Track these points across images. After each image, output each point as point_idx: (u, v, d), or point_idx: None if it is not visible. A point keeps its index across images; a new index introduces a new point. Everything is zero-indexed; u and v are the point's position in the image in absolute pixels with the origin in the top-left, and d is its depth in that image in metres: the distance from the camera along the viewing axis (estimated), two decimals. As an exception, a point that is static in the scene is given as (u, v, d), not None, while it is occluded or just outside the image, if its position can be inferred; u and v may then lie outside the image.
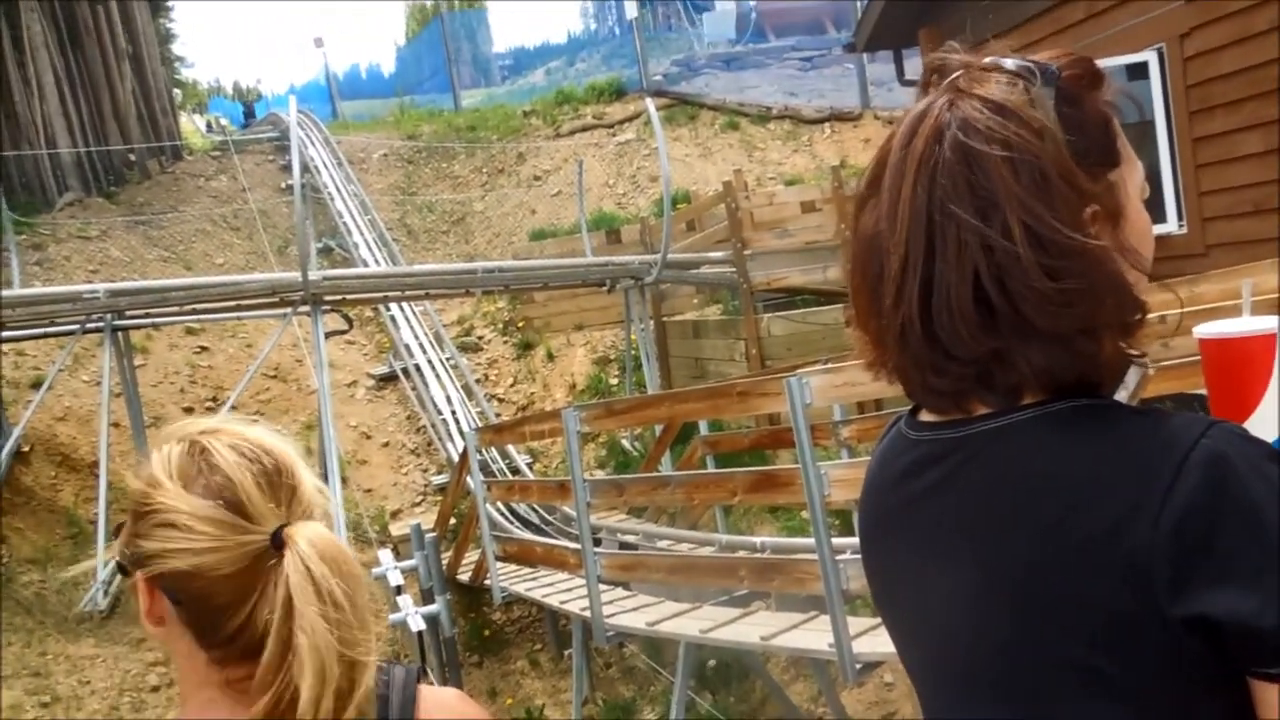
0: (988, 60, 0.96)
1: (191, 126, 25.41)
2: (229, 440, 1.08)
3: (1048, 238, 0.88)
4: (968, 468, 0.96)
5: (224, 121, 27.41)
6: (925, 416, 1.03)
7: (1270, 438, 1.02)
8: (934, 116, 0.94)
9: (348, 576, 1.03)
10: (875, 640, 4.73)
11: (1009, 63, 0.94)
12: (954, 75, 0.96)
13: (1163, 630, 0.84)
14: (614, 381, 13.65)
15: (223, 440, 1.08)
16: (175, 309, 10.55)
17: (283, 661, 0.98)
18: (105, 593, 9.28)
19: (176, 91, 25.36)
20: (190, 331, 13.78)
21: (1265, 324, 1.05)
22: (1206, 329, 1.09)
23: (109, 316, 10.01)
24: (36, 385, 11.16)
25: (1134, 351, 0.96)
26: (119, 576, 1.11)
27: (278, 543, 1.03)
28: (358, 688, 1.01)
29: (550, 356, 14.45)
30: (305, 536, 1.03)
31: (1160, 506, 0.84)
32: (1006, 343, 0.90)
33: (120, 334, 10.37)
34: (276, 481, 1.07)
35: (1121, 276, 0.92)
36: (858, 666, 4.69)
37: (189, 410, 12.63)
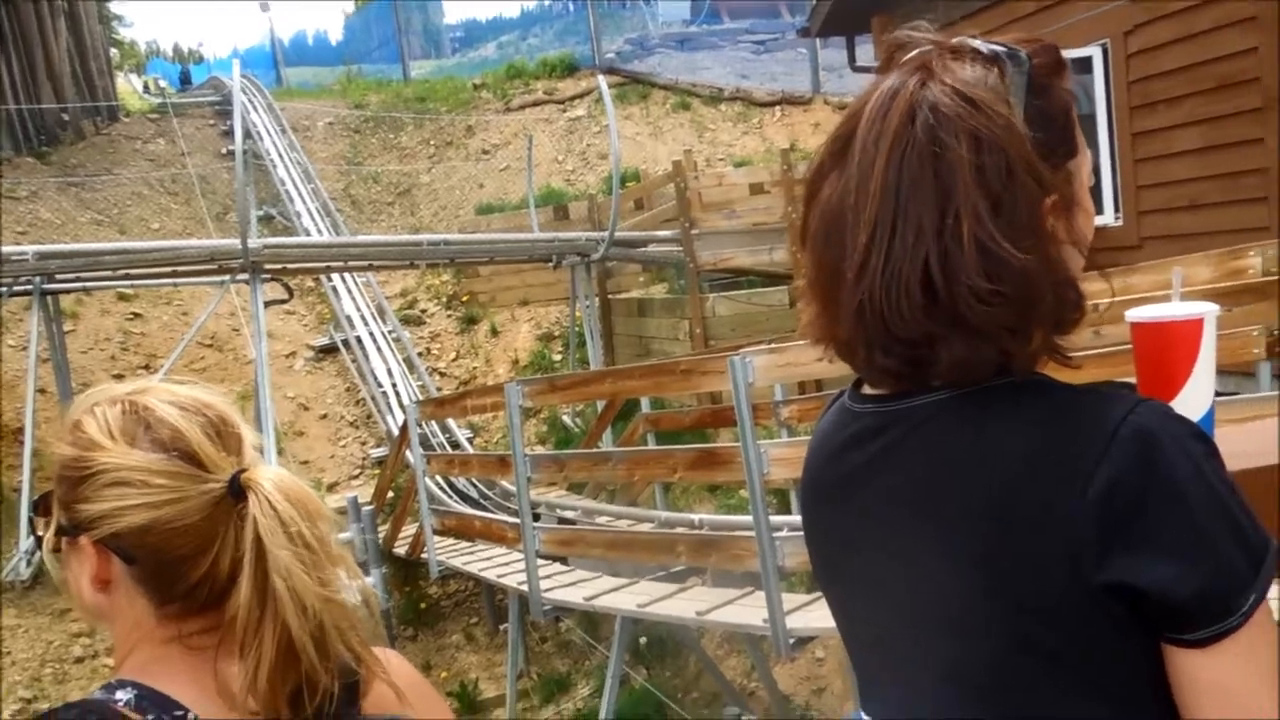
0: (957, 41, 0.95)
1: (129, 88, 24.71)
2: (165, 397, 1.08)
3: (990, 247, 0.88)
4: (909, 440, 0.97)
5: (163, 83, 26.71)
6: (868, 389, 1.03)
7: (1194, 418, 1.05)
8: (908, 94, 0.92)
9: (314, 515, 1.03)
10: (809, 615, 4.81)
11: (982, 46, 0.94)
12: (923, 53, 0.95)
13: (1090, 599, 0.86)
14: (557, 358, 13.61)
15: (159, 397, 1.07)
16: (108, 273, 10.27)
17: (263, 606, 0.98)
18: (28, 563, 9.06)
19: (114, 51, 24.60)
20: (123, 297, 13.44)
21: (1193, 309, 1.08)
22: (1137, 313, 1.12)
23: (37, 279, 9.72)
24: (-40, 348, 10.82)
25: (1063, 352, 0.96)
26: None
27: (235, 489, 1.02)
28: (339, 624, 1.01)
29: (494, 331, 14.36)
30: (268, 479, 1.03)
31: (1088, 479, 0.86)
32: (939, 330, 0.90)
33: (49, 298, 10.08)
34: (223, 430, 1.07)
35: (1064, 277, 0.93)
36: (791, 641, 4.75)
37: (119, 378, 12.33)
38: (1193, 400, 1.07)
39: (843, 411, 1.06)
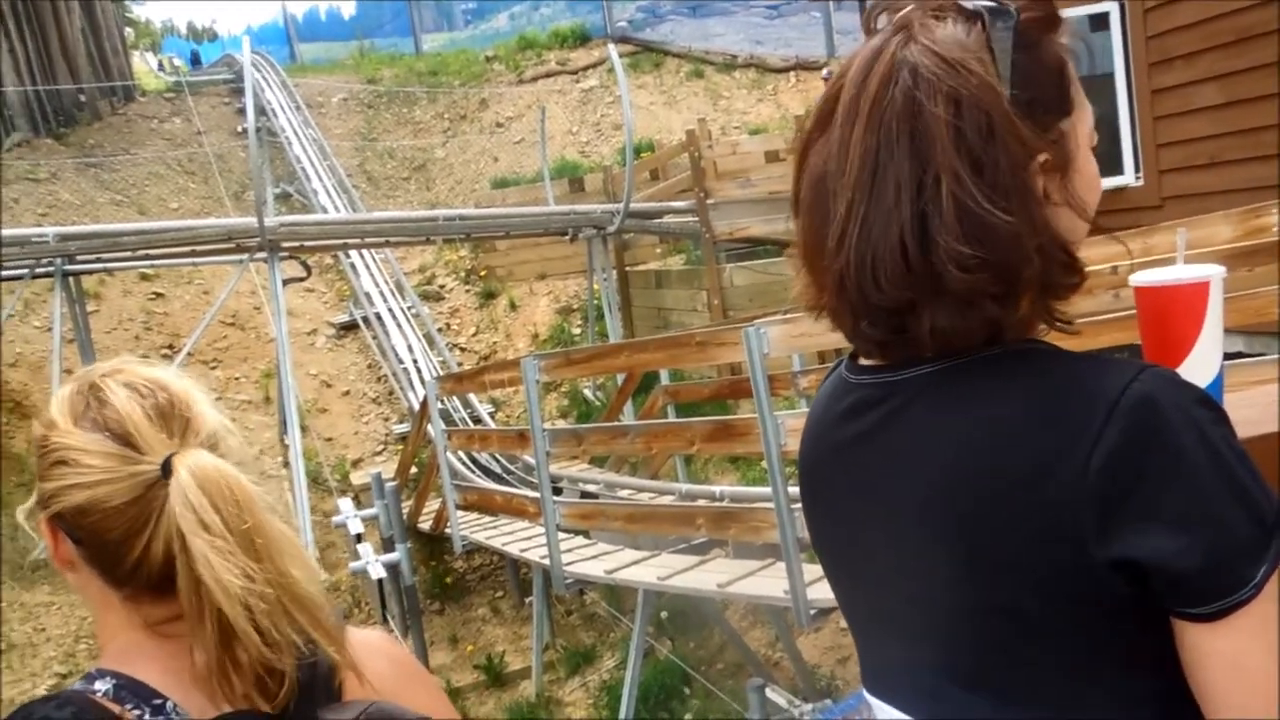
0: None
1: (144, 66, 24.71)
2: (123, 379, 1.08)
3: (970, 208, 0.86)
4: (905, 411, 0.95)
5: (178, 62, 26.67)
6: (865, 360, 1.02)
7: (1202, 384, 1.03)
8: (887, 57, 0.90)
9: (237, 502, 1.01)
10: (829, 587, 4.80)
11: (965, 2, 0.91)
12: (905, 14, 0.93)
13: (1092, 573, 0.84)
14: (576, 331, 13.61)
15: (117, 379, 1.08)
16: (128, 253, 10.33)
17: (198, 594, 0.98)
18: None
19: (128, 30, 24.58)
20: (145, 277, 13.54)
21: (1198, 272, 1.06)
22: (1141, 277, 1.09)
23: (59, 261, 9.80)
24: (-14, 331, 10.94)
25: (1061, 319, 0.94)
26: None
27: (168, 472, 1.02)
28: (289, 609, 1.00)
29: (513, 306, 14.38)
30: (186, 464, 1.02)
31: (1090, 449, 0.83)
32: (920, 297, 0.89)
33: (71, 279, 10.16)
34: (169, 413, 1.06)
35: (1054, 240, 0.90)
36: (812, 612, 4.76)
37: (144, 358, 12.43)
38: (1200, 366, 1.05)
39: (839, 382, 1.05)
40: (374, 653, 1.10)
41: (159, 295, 13.67)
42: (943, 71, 0.87)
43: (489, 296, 14.65)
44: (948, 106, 0.87)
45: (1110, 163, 6.39)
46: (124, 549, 1.02)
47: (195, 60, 26.81)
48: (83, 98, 17.77)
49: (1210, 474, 0.83)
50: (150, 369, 1.11)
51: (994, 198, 0.86)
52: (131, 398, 1.05)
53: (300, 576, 1.03)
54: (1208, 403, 0.87)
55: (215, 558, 0.98)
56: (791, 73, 17.96)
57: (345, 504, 8.53)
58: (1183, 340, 1.05)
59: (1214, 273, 1.06)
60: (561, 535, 6.40)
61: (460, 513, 8.39)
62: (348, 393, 13.05)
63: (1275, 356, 4.19)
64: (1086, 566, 0.84)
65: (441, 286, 15.06)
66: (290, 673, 1.00)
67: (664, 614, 8.07)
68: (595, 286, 12.57)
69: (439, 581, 10.15)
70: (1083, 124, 0.95)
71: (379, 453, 12.16)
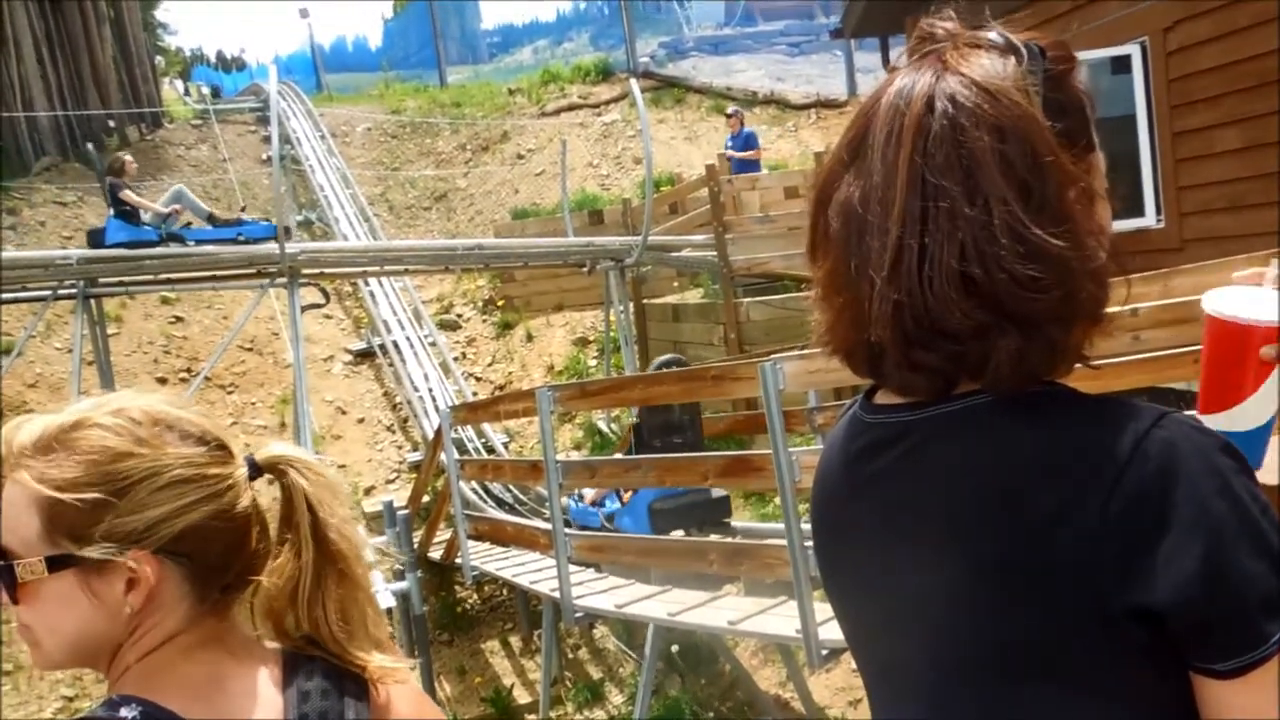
0: (972, 35, 0.94)
1: (173, 94, 25.09)
2: (145, 402, 1.06)
3: (1023, 233, 0.86)
4: (925, 449, 0.94)
5: (205, 90, 27.07)
6: (881, 399, 1.00)
7: (1249, 426, 0.99)
8: (924, 88, 0.90)
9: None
10: (840, 628, 4.74)
11: (997, 37, 0.92)
12: (938, 48, 0.93)
13: (1111, 620, 0.83)
14: (593, 363, 13.61)
15: (143, 403, 1.06)
16: (149, 277, 10.42)
17: (319, 570, 1.05)
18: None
19: (158, 58, 24.98)
20: (166, 301, 13.64)
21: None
22: (1222, 305, 1.01)
23: (81, 283, 9.88)
24: (6, 351, 11.02)
25: (1087, 355, 0.93)
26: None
27: (254, 469, 1.06)
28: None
29: (529, 336, 14.40)
30: (295, 452, 1.09)
31: (1108, 495, 0.82)
32: (991, 321, 0.87)
33: (93, 301, 10.24)
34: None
35: (1099, 268, 0.90)
36: (824, 652, 4.70)
37: (162, 381, 12.51)
38: (1253, 409, 1.00)
39: (855, 422, 1.04)
40: (402, 691, 1.11)
41: (179, 319, 13.76)
42: (985, 101, 0.88)
43: (506, 327, 14.68)
44: (992, 134, 0.87)
45: (1131, 205, 6.37)
46: (240, 549, 1.05)
47: (216, 93, 27.17)
48: (112, 123, 18.03)
49: (1231, 524, 0.81)
50: (122, 397, 1.07)
51: (1042, 222, 0.86)
52: (189, 411, 1.07)
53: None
54: (1230, 450, 0.85)
55: (353, 527, 1.08)
56: (812, 110, 18.06)
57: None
58: (1245, 382, 1.00)
59: None
60: (572, 568, 6.35)
61: (471, 543, 8.35)
62: (362, 420, 13.06)
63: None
64: (1106, 613, 0.83)
65: (459, 316, 15.11)
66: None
67: (675, 648, 7.99)
68: (612, 319, 12.58)
69: (448, 612, 10.08)
70: (1100, 164, 0.96)
71: (392, 480, 12.14)
